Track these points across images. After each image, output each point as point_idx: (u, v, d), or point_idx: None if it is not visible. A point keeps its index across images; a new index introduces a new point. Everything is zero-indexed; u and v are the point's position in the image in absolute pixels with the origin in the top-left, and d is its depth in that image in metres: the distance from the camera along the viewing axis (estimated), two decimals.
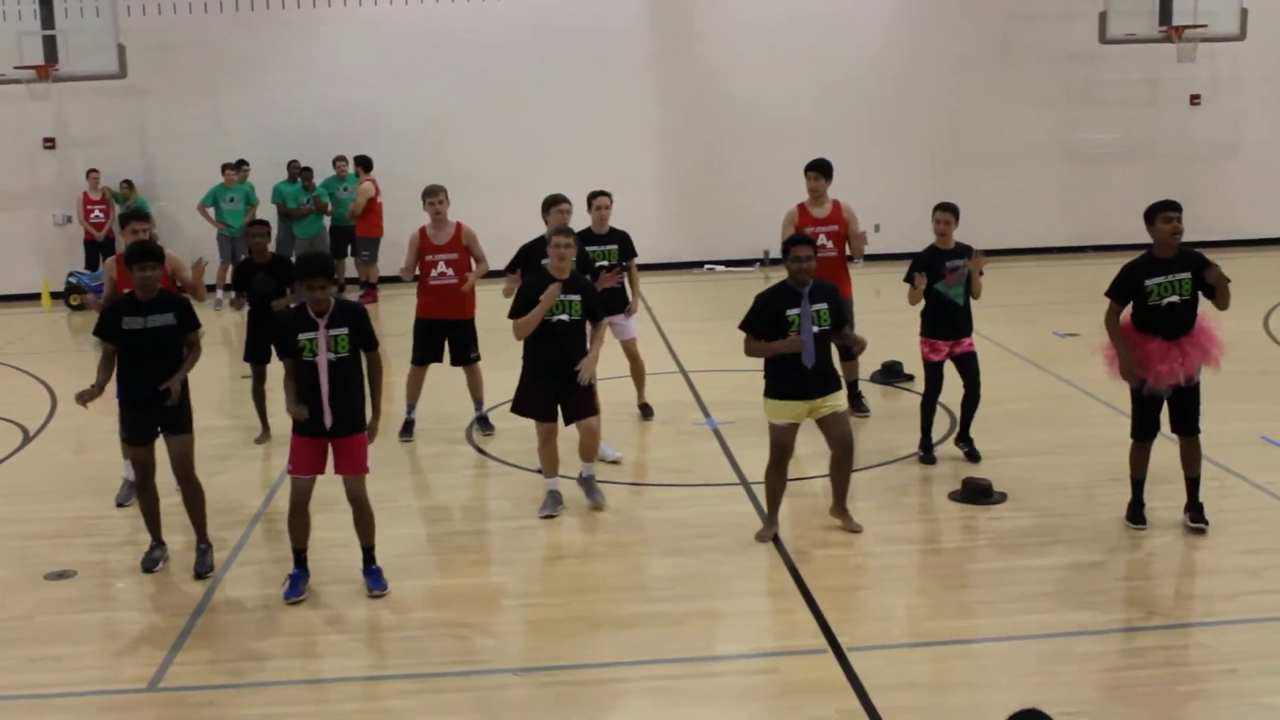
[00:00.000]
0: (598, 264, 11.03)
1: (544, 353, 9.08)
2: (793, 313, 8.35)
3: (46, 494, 10.23)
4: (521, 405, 9.28)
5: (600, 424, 10.50)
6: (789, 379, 8.42)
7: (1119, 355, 8.43)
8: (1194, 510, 8.65)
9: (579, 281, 9.24)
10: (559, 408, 9.20)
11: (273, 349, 10.92)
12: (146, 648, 7.45)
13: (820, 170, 11.37)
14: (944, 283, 10.09)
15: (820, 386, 8.46)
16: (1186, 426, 8.53)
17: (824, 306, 8.41)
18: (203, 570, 8.34)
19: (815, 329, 8.36)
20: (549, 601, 8.00)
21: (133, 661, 7.31)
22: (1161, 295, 8.32)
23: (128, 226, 9.64)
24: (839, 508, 8.84)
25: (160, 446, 8.36)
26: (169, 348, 8.13)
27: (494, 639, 7.46)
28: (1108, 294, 8.51)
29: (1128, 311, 8.51)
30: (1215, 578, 8.09)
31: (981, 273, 10.18)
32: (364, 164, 20.30)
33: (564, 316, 9.03)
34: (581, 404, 9.22)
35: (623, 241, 11.28)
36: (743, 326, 8.55)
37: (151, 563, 8.50)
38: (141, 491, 8.47)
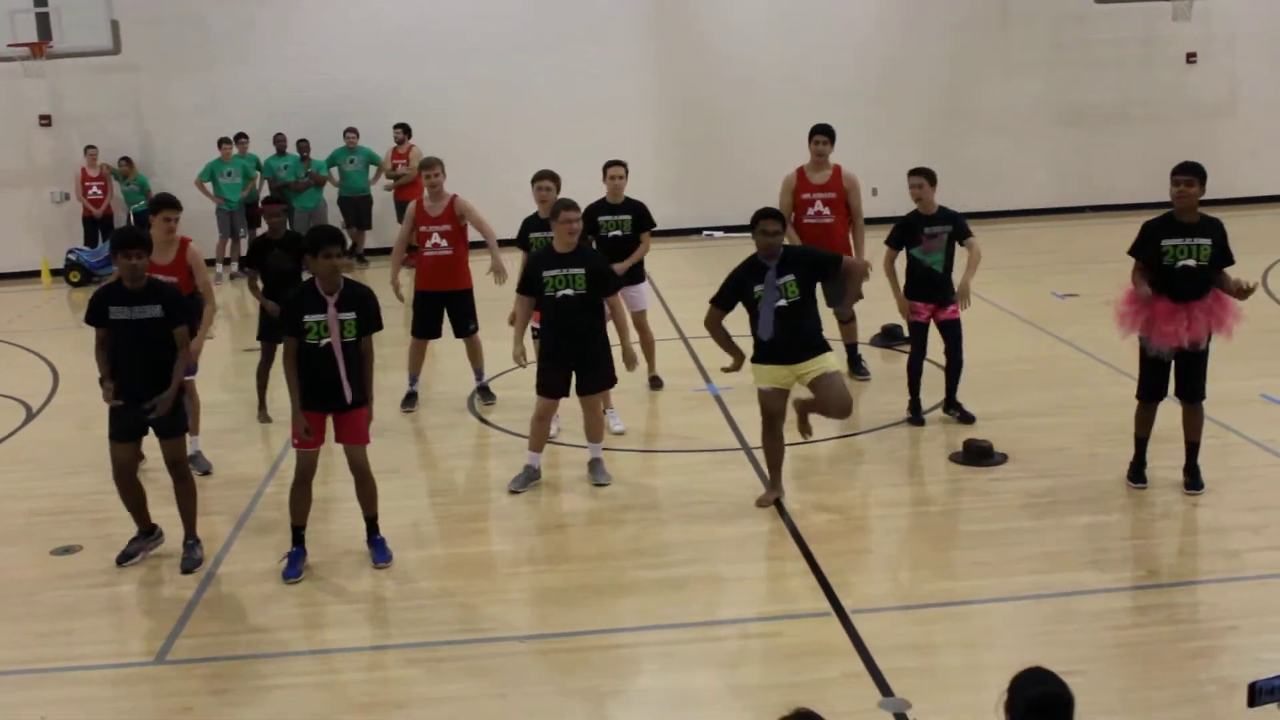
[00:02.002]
0: (610, 233, 11.02)
1: (553, 329, 9.04)
2: (758, 288, 8.33)
3: (50, 470, 10.26)
4: (538, 383, 9.24)
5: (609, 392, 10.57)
6: (765, 344, 8.41)
7: (1137, 293, 8.39)
8: (1190, 475, 8.65)
9: (583, 253, 9.11)
10: (572, 384, 9.15)
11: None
12: (153, 621, 7.50)
13: (828, 135, 11.29)
14: (920, 249, 10.07)
15: (800, 353, 8.40)
16: (1191, 392, 8.53)
17: (790, 278, 8.31)
18: (190, 566, 8.16)
19: (783, 302, 8.29)
20: (553, 569, 8.04)
21: (140, 635, 7.36)
22: (1176, 258, 8.28)
23: (160, 213, 9.51)
24: (802, 417, 8.83)
25: (150, 444, 8.29)
26: (156, 340, 7.90)
27: (499, 607, 7.49)
28: (1130, 252, 8.47)
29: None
30: (1216, 535, 8.13)
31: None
32: (407, 130, 20.28)
33: (568, 291, 8.90)
34: (595, 379, 9.19)
35: (637, 211, 11.22)
36: (713, 300, 8.54)
37: (125, 558, 8.25)
38: (122, 488, 8.22)
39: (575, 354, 9.06)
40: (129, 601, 7.90)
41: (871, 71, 21.48)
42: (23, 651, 7.16)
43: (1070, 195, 22.02)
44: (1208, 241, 8.29)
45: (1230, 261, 8.34)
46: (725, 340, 8.56)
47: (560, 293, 8.91)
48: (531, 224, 10.64)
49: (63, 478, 10.07)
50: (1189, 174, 8.32)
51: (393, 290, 11.37)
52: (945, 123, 21.59)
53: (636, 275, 11.27)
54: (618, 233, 11.09)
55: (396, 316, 12.01)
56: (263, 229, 11.70)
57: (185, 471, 8.30)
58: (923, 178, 10.17)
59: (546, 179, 10.52)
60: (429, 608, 7.48)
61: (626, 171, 11.24)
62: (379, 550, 8.12)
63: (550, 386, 9.15)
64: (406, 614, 7.46)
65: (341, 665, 6.96)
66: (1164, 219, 8.41)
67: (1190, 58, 21.99)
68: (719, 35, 21.39)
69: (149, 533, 8.40)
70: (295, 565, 8.00)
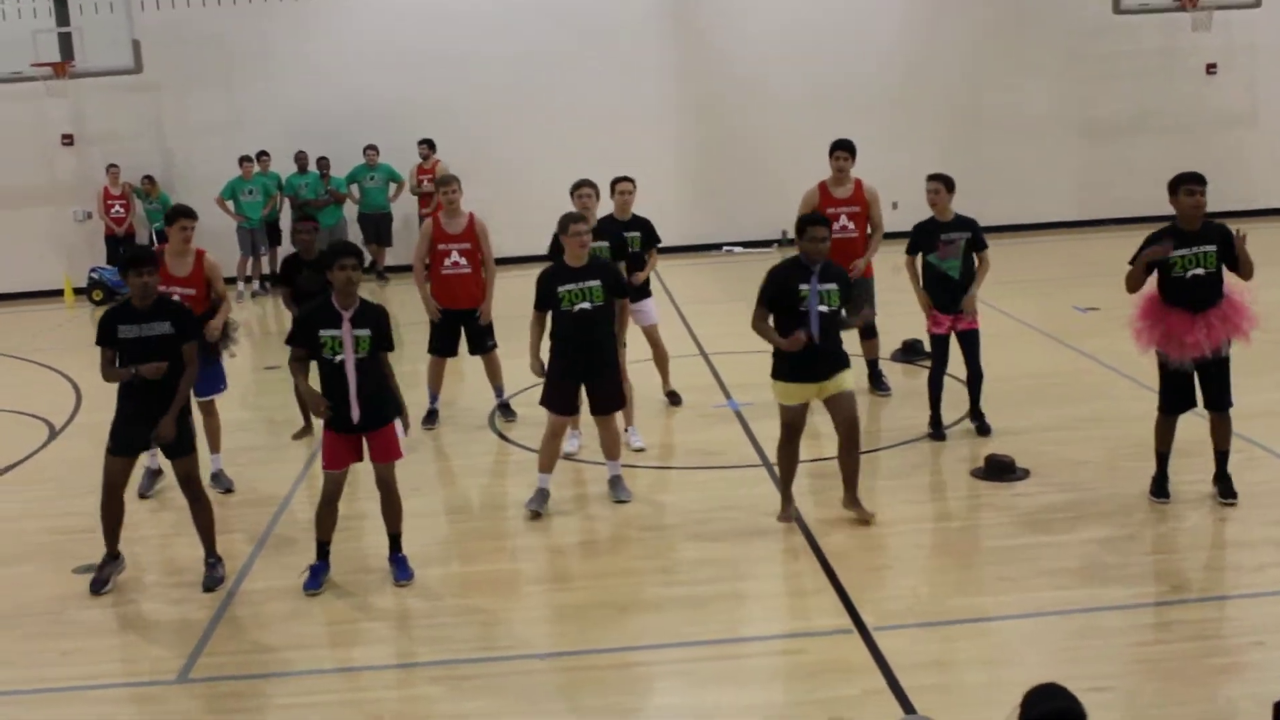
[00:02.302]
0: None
1: (569, 343, 8.94)
2: (804, 287, 8.29)
3: (73, 488, 10.29)
4: (546, 397, 9.17)
5: (633, 408, 10.56)
6: (794, 360, 8.32)
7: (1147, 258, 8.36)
8: (1223, 484, 8.63)
9: (598, 264, 9.09)
10: (586, 400, 9.11)
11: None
12: (175, 639, 7.50)
13: (849, 150, 11.31)
14: (937, 254, 10.07)
15: (827, 368, 8.38)
16: (1217, 402, 8.50)
17: (833, 287, 8.35)
18: (211, 584, 8.16)
19: (824, 308, 8.29)
20: (574, 586, 8.04)
21: (162, 653, 7.35)
22: (1185, 268, 8.28)
23: (177, 222, 9.57)
24: (850, 497, 8.68)
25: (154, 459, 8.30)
26: (166, 357, 7.87)
27: (520, 625, 7.49)
28: (1132, 261, 8.47)
29: (1153, 283, 8.47)
30: (1241, 550, 8.08)
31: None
32: (432, 145, 20.36)
33: (585, 305, 8.84)
34: (608, 397, 9.13)
35: (645, 228, 11.20)
36: (759, 300, 8.45)
37: (100, 584, 8.15)
38: (107, 504, 8.14)
39: (589, 369, 9.00)
40: (151, 620, 7.91)
41: (890, 83, 21.45)
42: (45, 670, 7.17)
43: (1091, 208, 21.95)
44: (1213, 248, 8.30)
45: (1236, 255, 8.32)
46: (773, 336, 8.39)
47: (578, 307, 8.85)
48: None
49: (85, 496, 10.05)
50: (1200, 183, 8.33)
51: (426, 309, 11.37)
52: (964, 135, 21.56)
53: (643, 290, 11.25)
54: (633, 250, 11.08)
55: (419, 334, 12.01)
56: (283, 247, 11.73)
57: (199, 490, 8.29)
58: (939, 183, 10.21)
59: (586, 187, 10.49)
60: (450, 626, 7.48)
61: (634, 187, 11.25)
62: (400, 568, 8.12)
63: (562, 402, 9.06)
64: (428, 632, 7.46)
65: (364, 683, 6.96)
66: (1168, 231, 8.37)
67: (1210, 68, 21.92)
68: (737, 48, 21.39)
69: (116, 556, 8.33)
70: (317, 578, 8.02)
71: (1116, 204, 21.38)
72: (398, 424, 8.03)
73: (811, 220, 8.53)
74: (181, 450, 8.12)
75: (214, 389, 9.96)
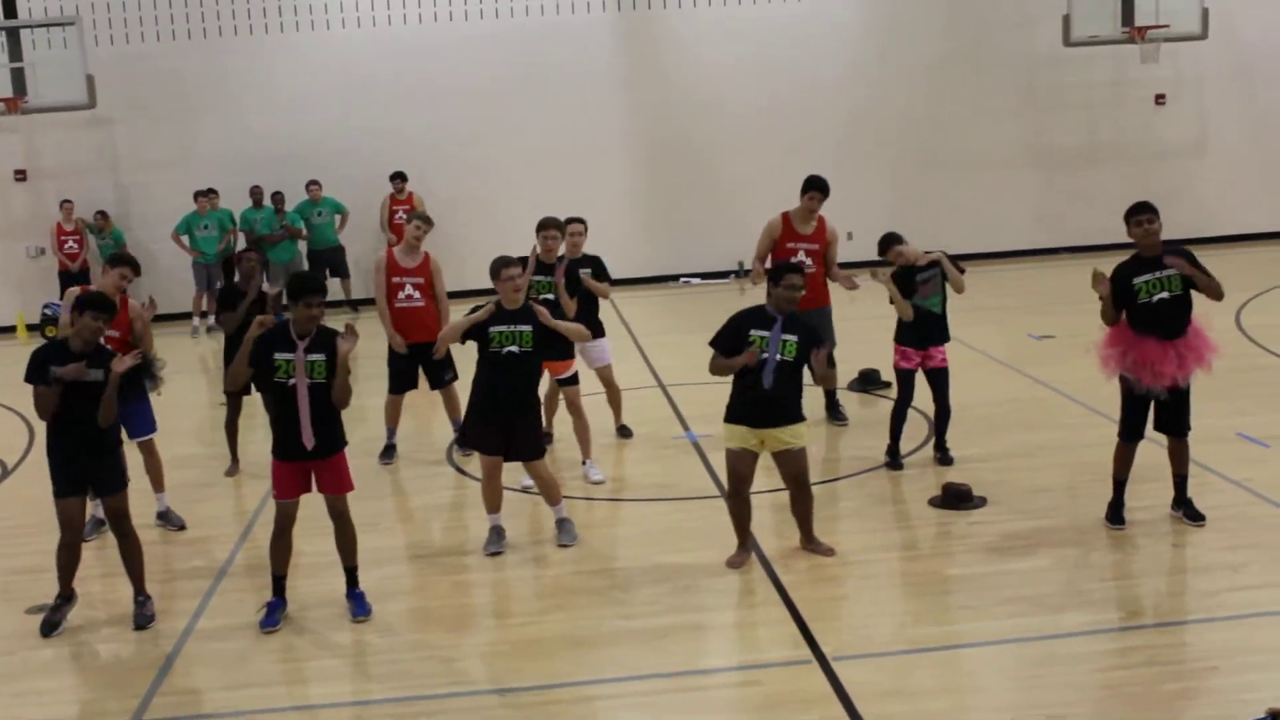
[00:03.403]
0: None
1: (491, 384, 8.81)
2: (760, 333, 8.26)
3: (26, 527, 10.17)
4: (468, 437, 9.05)
5: (590, 442, 10.55)
6: (743, 401, 8.32)
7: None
8: (1187, 506, 8.76)
9: (531, 311, 8.92)
10: (506, 444, 8.92)
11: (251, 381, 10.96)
12: (130, 680, 7.41)
13: (824, 191, 11.33)
14: (919, 295, 10.13)
15: (774, 417, 8.32)
16: (1177, 428, 8.62)
17: (794, 338, 8.28)
18: (142, 622, 8.08)
19: (779, 357, 8.24)
20: (532, 621, 8.00)
21: (117, 694, 7.26)
22: (1150, 292, 8.39)
23: (117, 269, 9.49)
24: (806, 539, 8.71)
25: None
26: (95, 402, 7.80)
27: (479, 660, 7.45)
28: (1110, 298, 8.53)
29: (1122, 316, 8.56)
30: (1196, 575, 8.16)
31: (962, 270, 10.18)
32: (404, 178, 20.32)
33: (513, 348, 8.72)
34: (527, 444, 8.97)
35: (596, 265, 11.13)
36: (712, 343, 8.46)
37: (50, 627, 8.03)
38: (64, 547, 8.06)
39: (507, 414, 8.84)
40: (105, 659, 7.83)
41: (844, 114, 21.58)
42: None
43: (1044, 237, 22.15)
44: (1174, 271, 8.40)
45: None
46: (729, 363, 8.31)
47: (506, 349, 8.73)
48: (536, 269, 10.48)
49: (37, 536, 9.93)
50: (1150, 212, 8.47)
51: (392, 343, 11.29)
52: (919, 165, 21.74)
53: (597, 330, 11.21)
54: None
55: (376, 368, 11.97)
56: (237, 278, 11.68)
57: (128, 527, 8.20)
58: (897, 243, 10.22)
59: (553, 229, 10.51)
60: (409, 661, 7.43)
61: (585, 228, 11.18)
62: (358, 604, 8.07)
63: (486, 443, 8.93)
64: (387, 667, 7.41)
65: None
66: (1132, 259, 8.52)
67: (1159, 99, 22.20)
68: (691, 82, 21.47)
69: (69, 597, 8.23)
70: (274, 615, 7.96)
71: (1070, 233, 21.58)
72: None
73: (791, 268, 8.46)
74: (113, 487, 8.08)
75: (147, 429, 9.88)
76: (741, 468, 8.45)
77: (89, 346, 7.85)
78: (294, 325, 7.78)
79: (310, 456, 7.88)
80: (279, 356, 7.76)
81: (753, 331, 8.27)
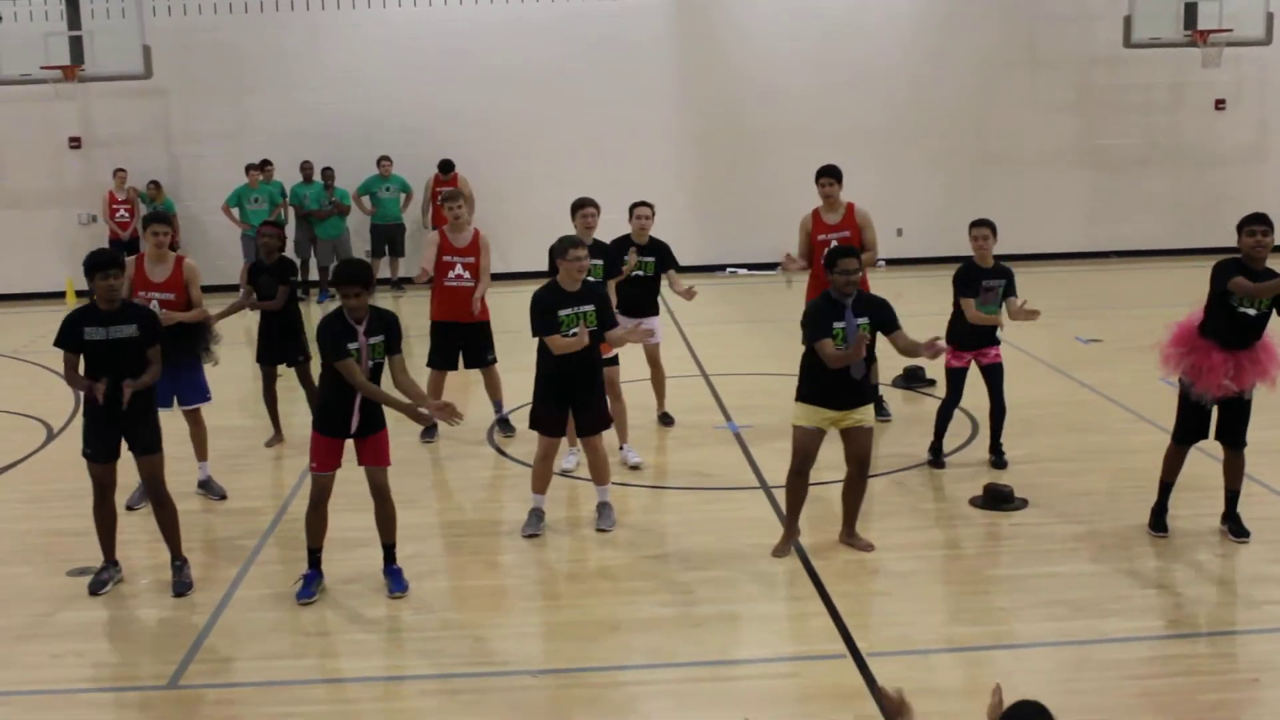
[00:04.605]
0: (634, 273, 10.97)
1: (560, 366, 8.80)
2: (838, 325, 8.20)
3: (69, 490, 10.21)
4: (534, 420, 9.11)
5: (627, 427, 10.54)
6: (822, 383, 8.26)
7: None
8: (1233, 522, 8.61)
9: (593, 291, 8.99)
10: (571, 422, 9.03)
11: (282, 351, 11.02)
12: (166, 645, 7.48)
13: (834, 176, 11.24)
14: (979, 300, 9.99)
15: (853, 398, 8.32)
16: (1233, 439, 8.49)
17: (865, 321, 8.26)
18: (181, 589, 8.16)
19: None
20: (567, 604, 8.01)
21: (153, 659, 7.33)
22: (1240, 303, 8.22)
23: (149, 228, 9.62)
24: (848, 530, 8.67)
25: (126, 466, 8.29)
26: (132, 360, 7.92)
27: (513, 641, 7.46)
28: (1214, 294, 8.32)
29: (1198, 316, 8.43)
30: (1240, 586, 8.07)
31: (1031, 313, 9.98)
32: (451, 166, 20.34)
33: (577, 329, 8.76)
34: (593, 419, 9.05)
35: (661, 252, 11.18)
36: (808, 339, 8.28)
37: (99, 585, 8.21)
38: (99, 509, 8.24)
39: (575, 393, 8.89)
40: (143, 625, 7.89)
41: (897, 111, 21.44)
42: (35, 672, 7.15)
43: (1096, 240, 21.92)
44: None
45: None
46: (844, 355, 8.13)
47: (572, 331, 8.74)
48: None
49: (81, 498, 9.99)
50: (1265, 224, 8.19)
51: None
52: (969, 161, 21.56)
53: (651, 308, 11.23)
54: (640, 272, 11.06)
55: (418, 346, 12.00)
56: (287, 255, 11.77)
57: (163, 491, 8.27)
58: (988, 229, 10.03)
59: (590, 206, 10.43)
60: (444, 639, 7.45)
61: (653, 212, 11.23)
62: (395, 580, 8.10)
63: (552, 424, 8.98)
64: (421, 644, 7.43)
65: (356, 695, 6.94)
66: (1234, 264, 8.21)
67: (1219, 104, 21.94)
68: (745, 70, 21.40)
69: (115, 563, 8.36)
70: (309, 587, 8.01)
71: (1123, 237, 21.36)
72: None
73: (841, 253, 8.36)
74: (149, 447, 8.14)
75: (198, 398, 9.95)
76: (811, 446, 8.43)
77: (114, 305, 7.94)
78: (346, 313, 7.78)
79: (354, 435, 7.93)
80: (351, 347, 7.72)
81: (834, 325, 8.20)
